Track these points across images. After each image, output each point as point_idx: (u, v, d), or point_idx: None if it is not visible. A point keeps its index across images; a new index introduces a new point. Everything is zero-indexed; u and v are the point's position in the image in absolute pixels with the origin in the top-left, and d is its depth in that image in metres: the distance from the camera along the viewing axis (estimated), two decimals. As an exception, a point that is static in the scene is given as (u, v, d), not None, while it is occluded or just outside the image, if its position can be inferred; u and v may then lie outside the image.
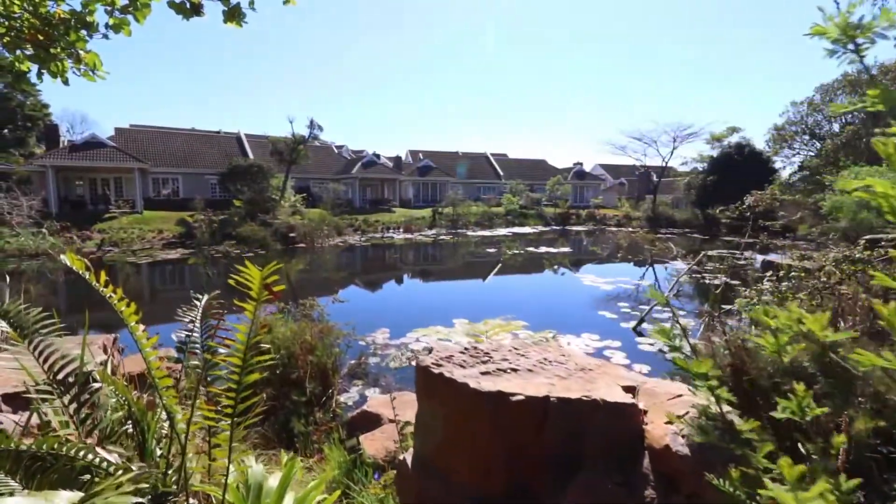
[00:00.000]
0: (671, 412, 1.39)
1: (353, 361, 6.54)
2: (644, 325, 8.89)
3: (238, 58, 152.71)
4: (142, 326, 1.80)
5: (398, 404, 5.05)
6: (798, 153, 36.40)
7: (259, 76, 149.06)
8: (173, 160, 33.58)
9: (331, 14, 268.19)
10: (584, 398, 1.47)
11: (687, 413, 1.33)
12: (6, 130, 40.65)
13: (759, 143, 37.39)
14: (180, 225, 25.23)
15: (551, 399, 1.50)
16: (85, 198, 29.21)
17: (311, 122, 31.33)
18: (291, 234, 24.81)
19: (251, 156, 35.15)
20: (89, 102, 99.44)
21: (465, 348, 2.09)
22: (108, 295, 1.75)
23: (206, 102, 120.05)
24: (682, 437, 1.22)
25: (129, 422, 2.11)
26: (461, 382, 1.62)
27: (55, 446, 1.32)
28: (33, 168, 27.26)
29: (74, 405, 1.90)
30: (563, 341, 7.87)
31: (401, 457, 2.05)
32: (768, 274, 5.10)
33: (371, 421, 4.51)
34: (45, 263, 17.92)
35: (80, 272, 1.72)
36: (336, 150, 47.29)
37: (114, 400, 2.07)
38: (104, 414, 2.02)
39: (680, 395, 1.56)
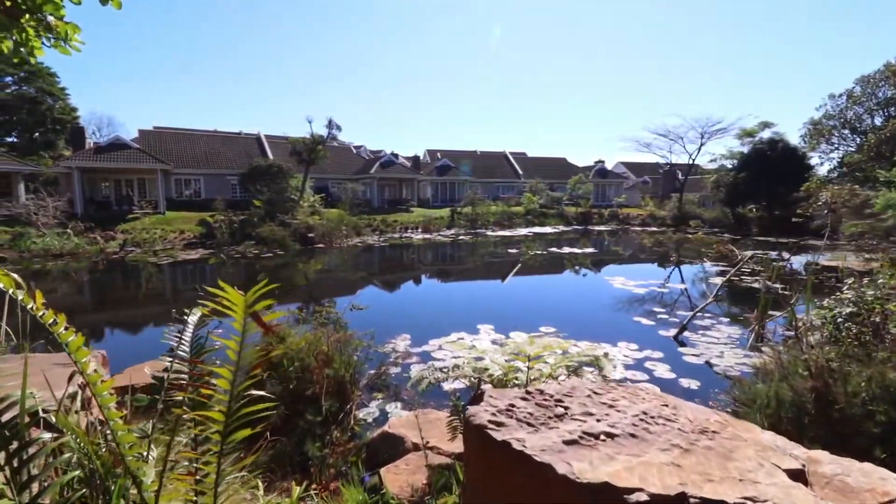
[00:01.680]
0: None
1: (372, 372, 6.08)
2: (685, 333, 8.20)
3: (258, 60, 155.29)
4: (94, 368, 1.33)
5: (423, 424, 4.55)
6: (837, 148, 34.58)
7: (279, 77, 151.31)
8: (195, 161, 33.93)
9: (348, 15, 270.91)
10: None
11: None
12: (37, 134, 41.89)
13: (793, 139, 35.69)
14: (201, 225, 25.36)
15: (692, 502, 0.96)
16: (110, 198, 29.68)
17: (330, 121, 31.18)
18: (310, 235, 24.66)
19: (271, 156, 35.29)
20: (117, 106, 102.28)
21: (529, 392, 1.57)
22: (48, 322, 1.29)
23: (229, 104, 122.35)
24: None
25: (95, 479, 1.66)
26: (540, 462, 1.09)
27: None
28: (60, 170, 27.82)
29: (15, 463, 1.45)
30: (599, 352, 7.25)
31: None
32: (849, 281, 4.43)
33: (393, 445, 4.03)
34: (70, 263, 18.12)
35: (10, 292, 1.26)
36: (354, 150, 47.22)
37: (71, 455, 1.61)
38: (57, 473, 1.56)
39: (903, 501, 1.00)
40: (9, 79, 39.08)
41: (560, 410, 1.41)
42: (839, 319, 4.20)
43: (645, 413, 1.39)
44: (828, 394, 3.82)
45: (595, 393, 1.54)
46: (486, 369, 4.11)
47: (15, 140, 41.80)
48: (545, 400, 1.49)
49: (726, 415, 1.49)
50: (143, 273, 17.00)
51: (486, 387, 1.54)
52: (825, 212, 6.83)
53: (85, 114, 58.93)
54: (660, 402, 1.49)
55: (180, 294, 14.46)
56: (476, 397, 1.58)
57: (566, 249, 23.42)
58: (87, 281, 15.77)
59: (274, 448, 4.06)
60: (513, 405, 1.43)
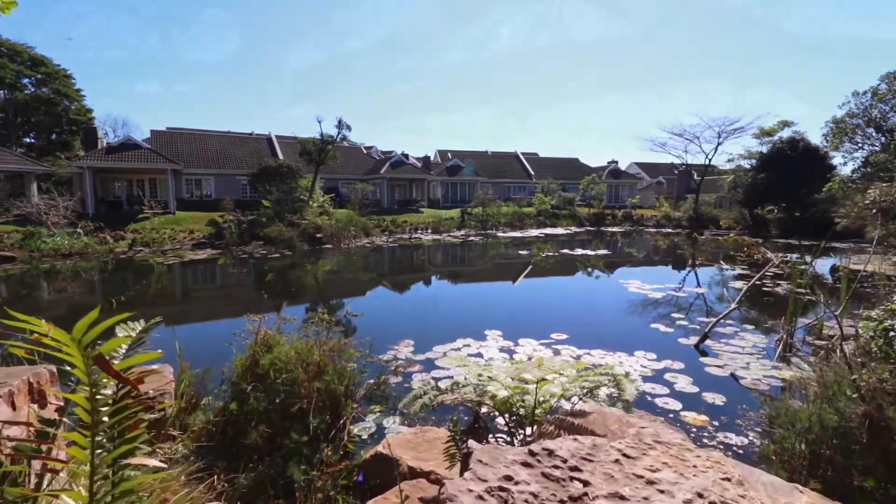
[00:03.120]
0: None
1: (371, 381, 5.70)
2: (707, 341, 7.67)
3: (270, 61, 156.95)
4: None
5: (421, 442, 4.14)
6: (861, 147, 33.26)
7: (290, 79, 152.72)
8: (206, 161, 34.06)
9: (358, 15, 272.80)
10: None
11: None
12: (53, 135, 42.55)
13: (815, 138, 34.51)
14: (210, 225, 25.34)
15: None
16: (121, 198, 29.89)
17: (340, 121, 31.01)
18: (318, 235, 24.46)
19: (281, 156, 35.29)
20: (132, 108, 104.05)
21: (533, 453, 1.15)
22: None
23: (241, 105, 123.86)
24: None
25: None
26: None
27: None
28: (72, 170, 28.09)
29: None
30: (613, 361, 6.78)
31: None
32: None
33: (385, 469, 3.64)
34: (78, 263, 18.12)
35: None
36: (365, 151, 47.11)
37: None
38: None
39: None
40: (26, 80, 39.77)
41: (577, 487, 0.99)
42: (892, 333, 3.70)
43: (701, 496, 0.96)
44: (882, 420, 3.34)
45: (626, 456, 1.12)
46: (489, 384, 3.69)
47: (33, 141, 42.56)
48: (555, 467, 1.07)
49: (815, 494, 1.05)
50: (152, 273, 16.90)
51: (474, 444, 1.17)
52: (874, 211, 6.26)
53: (100, 115, 59.90)
54: (719, 474, 1.06)
55: (187, 293, 14.29)
56: (462, 458, 1.18)
57: (579, 251, 22.85)
58: (95, 280, 15.70)
59: (256, 471, 3.72)
60: (510, 478, 1.02)
